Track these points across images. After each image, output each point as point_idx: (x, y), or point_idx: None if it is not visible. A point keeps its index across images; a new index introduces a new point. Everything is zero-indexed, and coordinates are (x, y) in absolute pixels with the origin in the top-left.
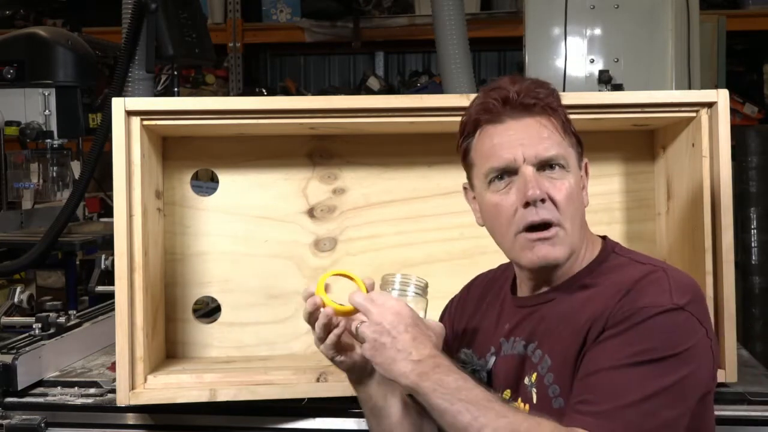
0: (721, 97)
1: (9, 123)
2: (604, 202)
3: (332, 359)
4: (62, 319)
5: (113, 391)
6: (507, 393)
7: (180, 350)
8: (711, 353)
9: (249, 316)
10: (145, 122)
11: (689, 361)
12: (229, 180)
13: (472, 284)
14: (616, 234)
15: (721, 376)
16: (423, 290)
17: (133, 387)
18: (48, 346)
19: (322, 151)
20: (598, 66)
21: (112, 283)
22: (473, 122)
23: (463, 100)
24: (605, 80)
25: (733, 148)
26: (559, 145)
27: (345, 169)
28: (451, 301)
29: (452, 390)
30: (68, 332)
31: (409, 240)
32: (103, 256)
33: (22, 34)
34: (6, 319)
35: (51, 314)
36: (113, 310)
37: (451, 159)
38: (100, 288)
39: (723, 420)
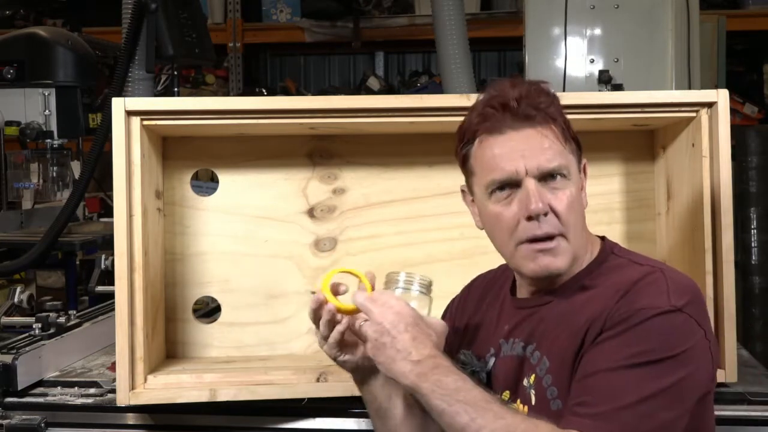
0: (721, 97)
1: (9, 123)
2: (604, 202)
3: (336, 359)
4: (62, 319)
5: (113, 391)
6: (506, 394)
7: (180, 350)
8: (710, 354)
9: (249, 316)
10: (145, 122)
11: (687, 362)
12: (229, 180)
13: (472, 284)
14: (616, 234)
15: (721, 376)
16: (427, 288)
17: (133, 387)
18: (48, 346)
19: (322, 151)
20: (598, 66)
21: (112, 283)
22: (473, 132)
23: (463, 100)
24: (605, 80)
25: (733, 148)
26: (561, 154)
27: (345, 169)
28: (452, 301)
29: (451, 391)
30: (68, 332)
31: (410, 240)
32: (103, 256)
33: (22, 34)
34: (6, 319)
35: (51, 314)
36: (113, 310)
37: (452, 159)
38: (100, 288)
39: (723, 420)
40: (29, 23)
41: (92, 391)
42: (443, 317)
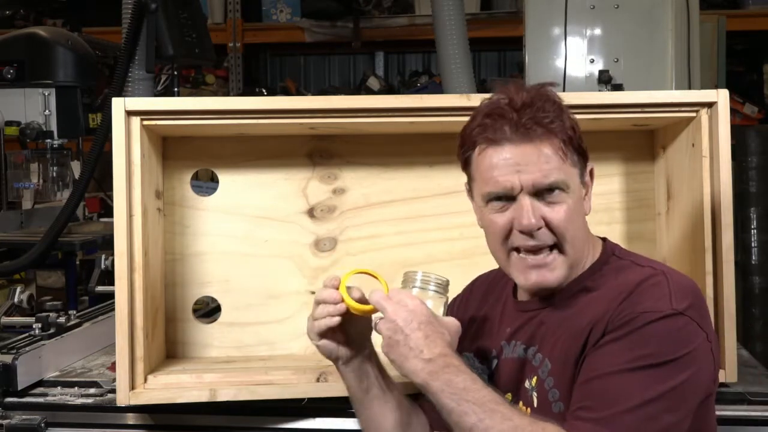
0: (721, 97)
1: (9, 123)
2: (604, 202)
3: (316, 343)
4: (62, 319)
5: (113, 391)
6: (508, 396)
7: (180, 350)
8: (711, 356)
9: (249, 316)
10: (145, 122)
11: (689, 365)
12: (229, 180)
13: (474, 284)
14: (616, 234)
15: (721, 376)
16: (444, 288)
17: (133, 387)
18: (48, 346)
19: (322, 151)
20: (598, 66)
21: (112, 283)
22: (472, 140)
23: (463, 100)
24: (605, 80)
25: (733, 148)
26: (559, 169)
27: (345, 169)
28: (454, 300)
29: (460, 390)
30: (68, 332)
31: (410, 240)
32: (103, 256)
33: (22, 34)
34: (6, 319)
35: (51, 314)
36: (113, 310)
37: (452, 159)
38: (100, 288)
39: (723, 420)
40: (29, 23)
41: (92, 391)
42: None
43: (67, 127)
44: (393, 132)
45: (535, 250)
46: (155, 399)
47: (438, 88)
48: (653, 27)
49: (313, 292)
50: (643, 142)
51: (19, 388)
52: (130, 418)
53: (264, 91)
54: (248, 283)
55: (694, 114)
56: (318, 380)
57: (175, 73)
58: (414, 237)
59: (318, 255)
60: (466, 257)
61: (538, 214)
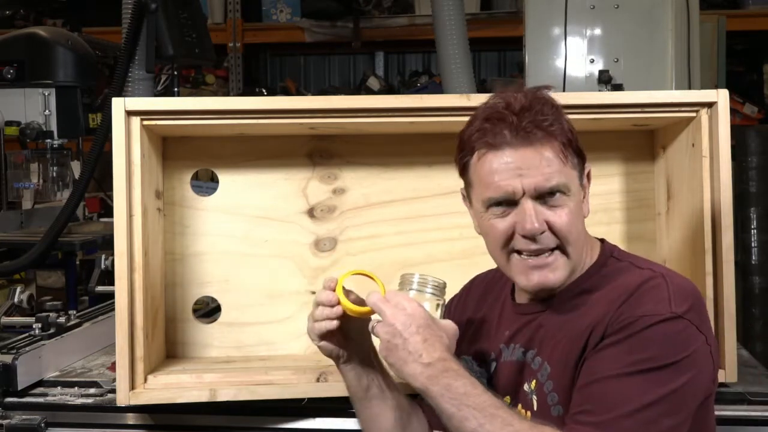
0: (721, 97)
1: (9, 123)
2: (604, 202)
3: (316, 344)
4: (62, 319)
5: (113, 391)
6: (507, 399)
7: (180, 350)
8: (710, 359)
9: (249, 316)
10: (145, 122)
11: (688, 368)
12: (229, 180)
13: (472, 284)
14: (616, 234)
15: (721, 376)
16: (441, 290)
17: (133, 387)
18: (48, 346)
19: (322, 151)
20: (598, 66)
21: (112, 283)
22: (471, 145)
23: (463, 100)
24: (605, 80)
25: (733, 148)
26: (560, 172)
27: (345, 169)
28: (451, 300)
29: (460, 395)
30: (68, 332)
31: (409, 240)
32: (103, 256)
33: (22, 34)
34: (6, 319)
35: (51, 314)
36: (113, 310)
37: (451, 159)
38: (100, 288)
39: (723, 420)
40: (29, 23)
41: (92, 391)
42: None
43: (67, 127)
44: (393, 132)
45: (537, 253)
46: (155, 399)
47: (438, 88)
48: (653, 27)
49: (313, 292)
50: (643, 142)
51: (19, 388)
52: (130, 418)
53: (264, 91)
54: (248, 283)
55: (694, 114)
56: (318, 380)
57: (175, 73)
58: (414, 237)
59: (318, 255)
60: (466, 257)
61: (541, 218)
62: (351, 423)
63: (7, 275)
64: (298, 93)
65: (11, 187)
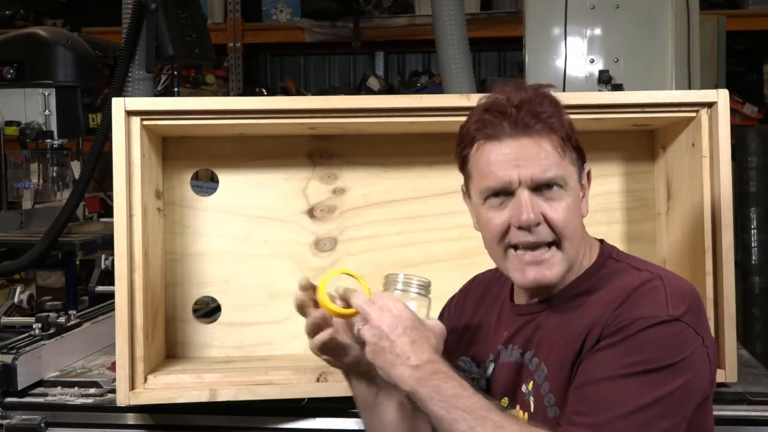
0: (721, 97)
1: (9, 123)
2: (604, 202)
3: (319, 356)
4: (62, 319)
5: (113, 391)
6: (505, 400)
7: (180, 350)
8: (708, 362)
9: (249, 316)
10: (145, 122)
11: (685, 370)
12: (229, 180)
13: (471, 284)
14: (615, 234)
15: (721, 376)
16: (426, 289)
17: (133, 387)
18: (48, 346)
19: (322, 151)
20: (598, 66)
21: (112, 283)
22: (471, 137)
23: (463, 100)
24: (605, 80)
25: (733, 148)
26: (558, 165)
27: (345, 169)
28: (450, 300)
29: (449, 397)
30: (68, 332)
31: (409, 240)
32: (103, 256)
33: (22, 34)
34: (6, 319)
35: (51, 314)
36: (113, 310)
37: (451, 159)
38: (100, 288)
39: (723, 420)
40: (29, 23)
41: (92, 391)
42: (440, 316)
43: (67, 127)
44: (393, 132)
45: (533, 247)
46: (155, 399)
47: (438, 88)
48: (653, 27)
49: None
50: (643, 142)
51: (19, 388)
52: (130, 418)
53: (264, 91)
54: (248, 283)
55: (694, 114)
56: (318, 380)
57: (175, 73)
58: (414, 237)
59: (318, 255)
60: (466, 257)
61: (537, 209)
62: (351, 423)
63: (7, 275)
64: (298, 93)
65: (11, 187)
